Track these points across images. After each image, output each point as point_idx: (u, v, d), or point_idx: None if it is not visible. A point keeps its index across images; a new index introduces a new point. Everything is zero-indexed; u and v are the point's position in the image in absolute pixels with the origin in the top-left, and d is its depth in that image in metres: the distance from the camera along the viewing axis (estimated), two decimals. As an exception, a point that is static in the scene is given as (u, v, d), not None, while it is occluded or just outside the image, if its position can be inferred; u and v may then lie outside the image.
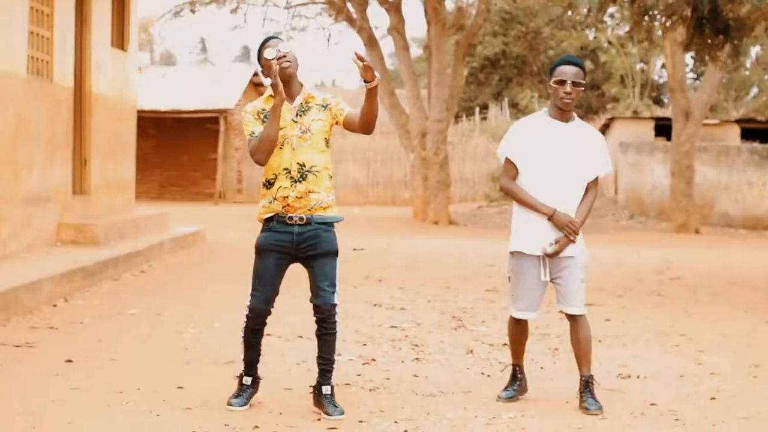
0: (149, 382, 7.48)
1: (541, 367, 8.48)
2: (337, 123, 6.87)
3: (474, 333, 10.22)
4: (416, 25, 78.72)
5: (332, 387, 6.90)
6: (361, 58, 6.47)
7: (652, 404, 7.27)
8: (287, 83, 6.77)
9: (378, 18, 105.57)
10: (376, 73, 6.58)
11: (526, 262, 7.14)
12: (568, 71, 7.09)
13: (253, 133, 6.75)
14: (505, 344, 9.56)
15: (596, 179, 7.24)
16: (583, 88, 7.13)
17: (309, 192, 6.72)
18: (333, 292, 6.77)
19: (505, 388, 7.36)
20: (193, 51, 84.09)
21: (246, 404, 6.89)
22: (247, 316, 6.86)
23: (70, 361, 8.16)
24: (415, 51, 42.32)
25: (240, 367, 7.05)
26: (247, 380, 6.97)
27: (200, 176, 35.78)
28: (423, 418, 6.73)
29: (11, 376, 7.56)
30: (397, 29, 27.16)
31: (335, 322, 6.81)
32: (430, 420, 6.70)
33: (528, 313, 7.23)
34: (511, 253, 7.22)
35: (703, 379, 8.24)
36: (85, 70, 16.23)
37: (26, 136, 13.55)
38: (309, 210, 6.74)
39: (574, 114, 7.23)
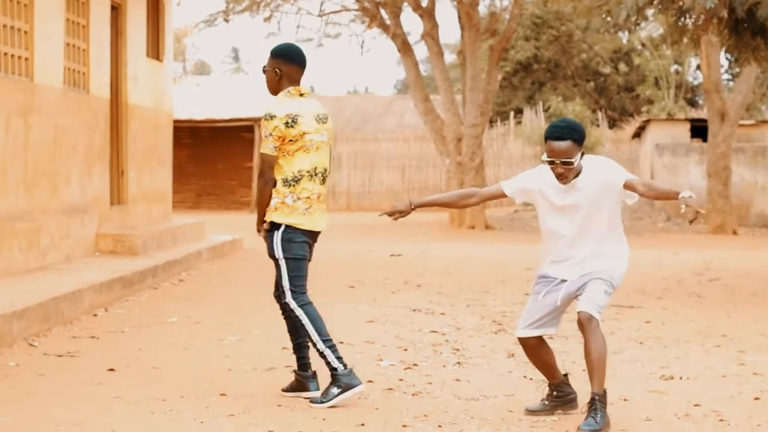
0: (192, 389, 7.51)
1: (583, 370, 8.45)
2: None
3: (514, 337, 10.17)
4: (450, 30, 78.70)
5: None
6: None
7: (695, 405, 7.25)
8: None
9: (411, 24, 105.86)
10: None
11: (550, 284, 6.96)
12: (556, 149, 6.58)
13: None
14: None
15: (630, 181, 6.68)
16: (575, 164, 6.59)
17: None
18: (283, 292, 7.26)
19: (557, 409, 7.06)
20: (225, 60, 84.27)
21: None
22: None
23: (112, 369, 8.20)
24: (449, 56, 42.27)
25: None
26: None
27: (236, 185, 35.83)
28: (467, 422, 6.74)
29: (54, 385, 7.61)
30: (431, 35, 27.15)
31: (292, 310, 7.23)
32: (474, 424, 6.70)
33: (527, 331, 7.06)
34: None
35: (745, 379, 8.20)
36: (121, 80, 16.31)
37: (64, 148, 13.64)
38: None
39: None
